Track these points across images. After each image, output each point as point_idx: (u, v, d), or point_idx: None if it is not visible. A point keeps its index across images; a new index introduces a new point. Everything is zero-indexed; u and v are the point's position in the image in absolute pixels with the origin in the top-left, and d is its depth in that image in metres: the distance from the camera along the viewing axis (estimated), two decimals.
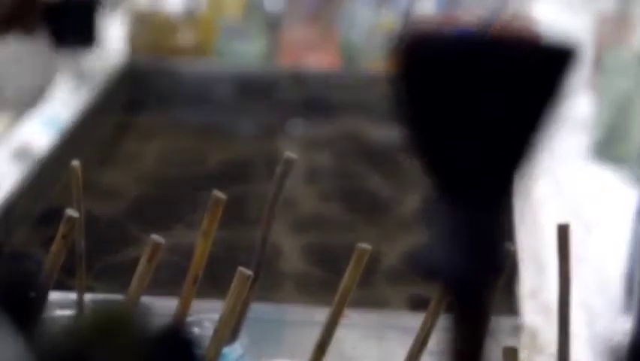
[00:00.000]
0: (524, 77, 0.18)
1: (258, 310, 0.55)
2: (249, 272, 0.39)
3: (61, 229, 0.45)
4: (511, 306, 0.54)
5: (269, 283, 0.62)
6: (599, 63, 0.90)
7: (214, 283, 0.58)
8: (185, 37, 1.15)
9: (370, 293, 0.61)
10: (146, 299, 0.52)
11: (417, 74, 0.18)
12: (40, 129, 0.91)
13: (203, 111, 1.06)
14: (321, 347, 0.40)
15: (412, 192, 0.82)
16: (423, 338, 0.40)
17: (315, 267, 0.68)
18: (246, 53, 1.13)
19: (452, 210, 0.19)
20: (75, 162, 0.47)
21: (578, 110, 0.96)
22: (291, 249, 0.72)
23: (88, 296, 0.49)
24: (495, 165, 0.20)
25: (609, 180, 0.87)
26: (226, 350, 0.49)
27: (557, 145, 0.91)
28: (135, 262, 0.41)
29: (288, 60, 1.10)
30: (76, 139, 0.91)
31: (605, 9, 1.13)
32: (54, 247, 0.57)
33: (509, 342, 0.47)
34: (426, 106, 0.19)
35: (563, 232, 0.42)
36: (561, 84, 0.19)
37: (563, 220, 0.59)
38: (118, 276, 0.65)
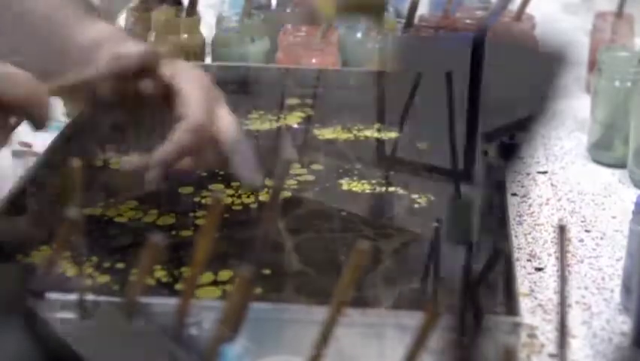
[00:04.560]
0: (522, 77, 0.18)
1: (258, 309, 0.55)
2: (250, 271, 0.39)
3: (61, 229, 0.45)
4: (509, 306, 0.54)
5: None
6: (596, 63, 0.91)
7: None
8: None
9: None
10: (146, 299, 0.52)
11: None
12: None
13: None
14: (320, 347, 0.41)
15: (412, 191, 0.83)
16: (422, 336, 0.40)
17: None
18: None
19: None
20: (76, 161, 0.47)
21: (576, 110, 0.96)
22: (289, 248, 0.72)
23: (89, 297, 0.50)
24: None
25: (607, 181, 0.87)
26: (226, 349, 0.50)
27: (555, 145, 0.92)
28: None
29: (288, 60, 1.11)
30: (77, 138, 0.91)
31: (603, 9, 1.13)
32: (54, 247, 0.57)
33: (508, 342, 0.47)
34: None
35: (562, 232, 0.42)
36: (557, 84, 0.19)
37: (561, 220, 0.59)
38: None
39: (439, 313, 0.47)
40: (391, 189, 0.82)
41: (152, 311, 0.61)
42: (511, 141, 0.67)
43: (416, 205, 0.80)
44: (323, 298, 0.58)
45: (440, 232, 0.50)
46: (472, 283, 0.45)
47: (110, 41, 0.49)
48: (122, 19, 1.30)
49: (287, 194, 0.89)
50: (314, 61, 1.12)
